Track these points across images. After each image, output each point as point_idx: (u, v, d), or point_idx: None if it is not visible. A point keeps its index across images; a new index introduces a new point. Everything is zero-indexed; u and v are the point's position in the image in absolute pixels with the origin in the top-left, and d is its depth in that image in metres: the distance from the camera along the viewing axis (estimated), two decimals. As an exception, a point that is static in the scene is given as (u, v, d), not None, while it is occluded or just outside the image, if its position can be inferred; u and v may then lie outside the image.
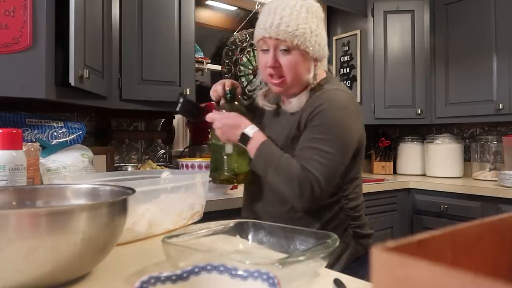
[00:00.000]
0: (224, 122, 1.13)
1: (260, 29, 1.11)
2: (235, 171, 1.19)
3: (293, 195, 1.05)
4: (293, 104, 1.15)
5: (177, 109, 1.28)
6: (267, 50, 1.12)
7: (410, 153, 2.94)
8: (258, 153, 1.10)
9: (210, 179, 1.21)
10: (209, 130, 1.26)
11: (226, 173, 1.19)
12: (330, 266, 1.08)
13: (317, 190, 1.03)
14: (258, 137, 1.11)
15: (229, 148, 1.18)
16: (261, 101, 1.27)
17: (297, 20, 1.07)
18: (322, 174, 1.04)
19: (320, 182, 1.04)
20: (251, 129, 1.12)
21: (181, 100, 1.29)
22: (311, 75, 1.13)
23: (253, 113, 1.30)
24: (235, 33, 2.75)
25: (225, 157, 1.19)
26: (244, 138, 1.11)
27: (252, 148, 1.11)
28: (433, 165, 2.75)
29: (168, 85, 1.91)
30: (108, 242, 0.69)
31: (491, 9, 2.46)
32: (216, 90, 1.25)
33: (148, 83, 1.87)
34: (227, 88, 1.23)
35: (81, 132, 1.63)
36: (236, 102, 1.25)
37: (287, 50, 1.09)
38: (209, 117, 1.16)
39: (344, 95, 1.13)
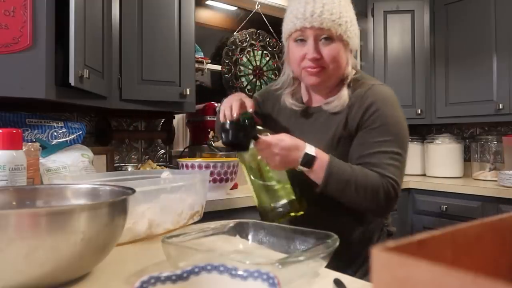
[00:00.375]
0: (282, 146, 0.98)
1: (298, 19, 1.02)
2: (299, 198, 1.02)
3: (377, 206, 0.99)
4: (335, 103, 1.07)
5: (225, 140, 0.99)
6: (302, 41, 1.04)
7: (410, 153, 2.90)
8: (329, 173, 0.98)
9: (210, 178, 1.12)
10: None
11: (292, 203, 1.00)
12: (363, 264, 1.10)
13: (398, 194, 1.00)
14: (321, 155, 1.00)
15: (282, 175, 1.02)
16: (289, 101, 1.17)
17: (339, 8, 1.01)
18: (398, 177, 1.00)
19: (399, 185, 1.00)
20: (310, 147, 1.00)
21: (228, 126, 0.99)
22: (350, 67, 1.09)
23: (274, 115, 1.22)
24: (235, 33, 2.75)
25: (278, 186, 1.01)
26: (308, 160, 0.98)
27: (319, 168, 0.98)
28: (433, 165, 2.75)
29: (168, 85, 1.92)
30: (108, 242, 0.69)
31: (491, 9, 2.46)
32: (225, 116, 1.04)
33: (148, 83, 1.87)
34: (235, 115, 1.01)
35: (81, 132, 1.63)
36: (259, 127, 1.03)
37: (329, 39, 1.02)
38: (263, 142, 0.98)
39: (389, 91, 1.09)
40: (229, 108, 1.04)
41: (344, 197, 0.99)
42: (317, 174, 0.99)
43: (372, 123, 1.02)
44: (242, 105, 1.05)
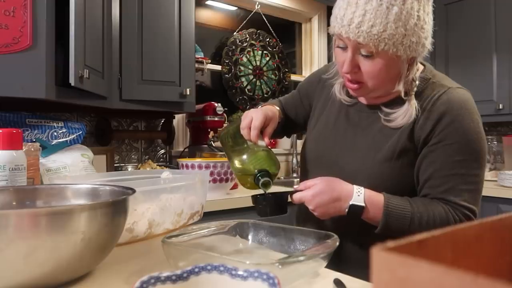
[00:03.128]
0: (319, 202, 0.86)
1: (337, 24, 0.84)
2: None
3: None
4: (398, 121, 0.90)
5: (263, 215, 0.94)
6: (345, 48, 0.87)
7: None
8: (387, 220, 0.85)
9: (210, 178, 1.09)
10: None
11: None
12: None
13: (473, 219, 0.87)
14: (373, 200, 0.85)
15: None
16: (338, 94, 1.02)
17: (387, 18, 0.79)
18: (475, 203, 0.87)
19: (475, 213, 0.86)
20: (358, 195, 0.85)
21: (259, 203, 0.95)
22: (402, 82, 0.88)
23: (326, 106, 1.07)
24: (235, 33, 2.75)
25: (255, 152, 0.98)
26: (355, 210, 0.85)
27: (372, 217, 0.86)
28: (433, 165, 2.75)
29: (168, 85, 1.91)
30: (108, 242, 0.69)
31: (491, 9, 2.46)
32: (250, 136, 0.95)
33: (148, 83, 1.87)
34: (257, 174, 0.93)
35: (81, 132, 1.63)
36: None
37: (370, 56, 0.84)
38: (297, 199, 0.89)
39: (468, 96, 0.91)
40: (247, 126, 0.95)
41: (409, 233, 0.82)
42: (373, 220, 0.87)
43: (446, 138, 0.85)
44: (260, 124, 0.94)
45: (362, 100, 1.00)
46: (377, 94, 0.92)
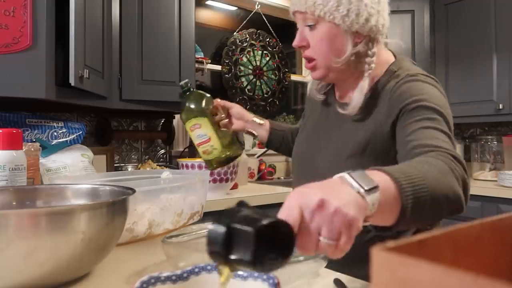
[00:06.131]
0: (305, 202, 0.50)
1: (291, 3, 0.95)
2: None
3: (459, 202, 0.66)
4: (353, 102, 0.90)
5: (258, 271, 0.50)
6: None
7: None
8: (407, 191, 0.58)
9: (210, 178, 1.17)
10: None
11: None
12: None
13: (463, 164, 0.72)
14: (383, 179, 0.56)
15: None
16: (312, 92, 1.07)
17: None
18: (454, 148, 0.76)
19: (458, 158, 0.72)
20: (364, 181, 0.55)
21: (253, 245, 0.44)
22: (346, 54, 0.89)
23: (309, 105, 1.13)
24: (235, 33, 2.75)
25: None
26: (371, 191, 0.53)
27: (389, 197, 0.56)
28: (433, 165, 2.75)
29: (168, 85, 1.91)
30: (108, 242, 0.69)
31: (491, 9, 2.46)
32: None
33: (148, 83, 1.87)
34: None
35: (81, 132, 1.63)
36: (200, 92, 1.13)
37: (313, 25, 0.90)
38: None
39: (433, 83, 0.88)
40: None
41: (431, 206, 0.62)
42: (392, 203, 0.57)
43: (409, 106, 0.83)
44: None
45: (334, 97, 1.03)
46: (335, 76, 0.94)
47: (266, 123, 1.22)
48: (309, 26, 0.90)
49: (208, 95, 1.16)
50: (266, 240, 0.42)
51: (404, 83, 0.87)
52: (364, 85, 0.90)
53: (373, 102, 0.91)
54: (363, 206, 0.50)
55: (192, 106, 1.13)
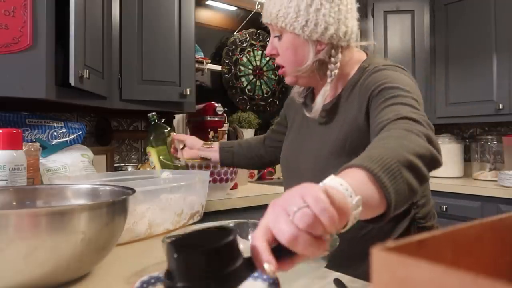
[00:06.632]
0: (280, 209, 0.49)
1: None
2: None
3: (429, 151, 0.65)
4: (317, 105, 0.96)
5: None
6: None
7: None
8: (378, 169, 0.56)
9: (210, 178, 1.23)
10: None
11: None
12: None
13: (429, 127, 0.72)
14: (351, 169, 0.58)
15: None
16: (295, 93, 1.12)
17: (282, 0, 0.93)
18: (418, 115, 0.75)
19: (425, 119, 0.74)
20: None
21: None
22: (308, 62, 0.94)
23: (290, 112, 1.18)
24: (235, 33, 2.75)
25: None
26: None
27: (360, 180, 0.55)
28: (433, 165, 2.75)
29: (168, 85, 1.91)
30: (108, 242, 0.69)
31: (491, 9, 2.46)
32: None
33: (148, 83, 1.87)
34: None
35: (81, 132, 1.63)
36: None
37: (279, 36, 0.96)
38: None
39: (401, 71, 0.91)
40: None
41: (409, 175, 0.60)
42: (366, 184, 0.55)
43: (375, 92, 0.86)
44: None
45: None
46: (305, 82, 1.00)
47: (215, 145, 1.34)
48: (277, 36, 0.97)
49: (168, 128, 1.41)
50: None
51: (371, 74, 0.91)
52: (326, 90, 0.95)
53: (347, 99, 0.96)
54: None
55: (151, 136, 1.39)
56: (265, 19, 0.98)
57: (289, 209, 0.45)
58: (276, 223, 0.46)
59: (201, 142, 1.36)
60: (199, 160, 1.42)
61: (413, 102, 0.79)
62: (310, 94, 1.10)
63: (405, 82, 0.86)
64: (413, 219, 0.94)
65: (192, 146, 1.35)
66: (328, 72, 0.95)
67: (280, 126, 1.26)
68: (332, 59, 0.95)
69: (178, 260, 0.41)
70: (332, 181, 0.52)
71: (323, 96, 0.95)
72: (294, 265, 0.47)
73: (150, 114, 1.39)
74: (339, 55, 0.95)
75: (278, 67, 1.01)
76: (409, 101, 0.78)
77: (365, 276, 0.73)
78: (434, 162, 0.66)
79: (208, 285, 0.41)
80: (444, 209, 2.35)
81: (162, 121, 1.43)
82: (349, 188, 0.51)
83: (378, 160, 0.57)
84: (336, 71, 0.95)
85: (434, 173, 2.72)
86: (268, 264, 0.44)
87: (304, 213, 0.44)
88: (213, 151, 1.34)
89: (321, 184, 0.51)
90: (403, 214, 0.93)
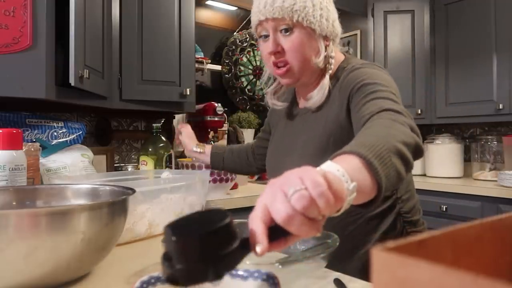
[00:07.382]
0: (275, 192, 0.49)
1: (255, 14, 0.96)
2: None
3: (414, 140, 0.69)
4: (314, 97, 0.96)
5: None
6: (267, 36, 0.95)
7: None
8: (371, 160, 0.57)
9: (210, 178, 1.23)
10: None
11: None
12: None
13: (410, 118, 0.76)
14: (344, 156, 0.59)
15: None
16: (270, 100, 1.11)
17: None
18: (399, 107, 0.79)
19: (405, 111, 0.78)
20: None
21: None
22: (321, 57, 0.95)
23: (272, 119, 1.21)
24: (235, 33, 2.75)
25: None
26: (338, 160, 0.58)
27: (355, 166, 0.56)
28: (433, 165, 2.75)
29: (168, 85, 1.91)
30: (108, 242, 0.69)
31: (491, 9, 2.46)
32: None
33: (148, 83, 1.87)
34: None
35: (81, 132, 1.63)
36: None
37: (288, 30, 0.92)
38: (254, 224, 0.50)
39: (382, 70, 0.94)
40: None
41: (398, 165, 0.62)
42: (361, 169, 0.57)
43: (354, 89, 0.89)
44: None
45: (302, 103, 1.06)
46: (305, 78, 0.98)
47: (206, 149, 1.36)
48: (285, 32, 0.93)
49: (165, 141, 1.52)
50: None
51: (350, 73, 0.94)
52: (325, 83, 0.97)
53: (328, 98, 0.98)
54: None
55: (150, 148, 1.48)
56: (270, 14, 0.92)
57: (287, 190, 0.46)
58: (274, 202, 0.46)
59: (195, 142, 1.38)
60: (192, 160, 1.46)
61: (392, 96, 0.83)
62: (293, 102, 1.12)
63: (383, 77, 0.89)
64: (398, 213, 0.96)
65: (186, 146, 1.40)
66: (328, 66, 0.98)
67: (266, 134, 1.28)
68: (332, 53, 0.99)
69: (176, 242, 0.42)
70: (330, 167, 0.53)
71: (322, 88, 0.96)
72: (287, 246, 0.48)
73: (155, 125, 1.42)
74: (333, 53, 1.00)
75: (277, 65, 0.96)
76: (389, 95, 0.82)
77: (354, 272, 0.75)
78: (418, 150, 0.70)
79: (206, 266, 0.42)
80: (444, 209, 2.35)
81: (162, 121, 1.46)
82: (345, 174, 0.52)
83: (370, 147, 0.59)
84: (332, 67, 0.98)
85: (434, 173, 2.72)
86: (258, 245, 0.45)
87: (302, 195, 0.45)
88: (204, 155, 1.36)
89: (318, 168, 0.52)
90: (388, 209, 0.95)
